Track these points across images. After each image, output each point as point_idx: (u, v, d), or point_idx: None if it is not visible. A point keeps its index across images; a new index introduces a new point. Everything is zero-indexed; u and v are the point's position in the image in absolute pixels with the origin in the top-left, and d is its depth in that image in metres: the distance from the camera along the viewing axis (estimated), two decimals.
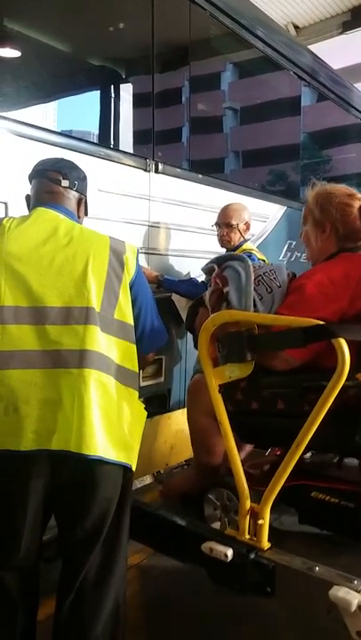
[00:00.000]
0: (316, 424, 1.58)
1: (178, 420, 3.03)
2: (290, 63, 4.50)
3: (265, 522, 1.68)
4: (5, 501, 1.48)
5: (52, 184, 1.72)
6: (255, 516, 1.69)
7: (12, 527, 1.48)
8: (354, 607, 1.37)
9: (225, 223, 3.23)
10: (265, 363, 1.77)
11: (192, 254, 3.32)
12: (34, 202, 1.74)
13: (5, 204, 2.19)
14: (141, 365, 1.67)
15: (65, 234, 1.59)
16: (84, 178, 1.82)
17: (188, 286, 3.10)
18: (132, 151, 3.13)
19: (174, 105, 3.81)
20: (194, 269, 3.22)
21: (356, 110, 5.59)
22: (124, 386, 1.56)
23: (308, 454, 2.11)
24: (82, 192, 1.80)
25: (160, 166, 3.14)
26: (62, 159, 1.82)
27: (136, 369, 1.61)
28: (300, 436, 1.60)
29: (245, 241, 3.27)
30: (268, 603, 2.30)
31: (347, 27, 8.01)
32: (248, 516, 1.70)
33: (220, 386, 1.79)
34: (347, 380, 1.56)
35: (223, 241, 3.25)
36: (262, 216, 4.01)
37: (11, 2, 2.57)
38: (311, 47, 5.53)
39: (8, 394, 1.44)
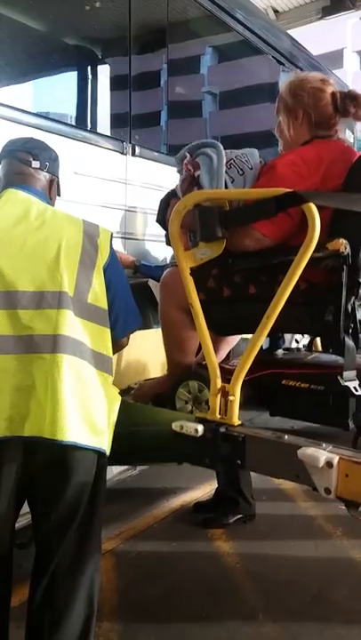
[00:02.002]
0: (286, 294, 1.54)
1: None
2: (269, 47, 4.47)
3: (235, 399, 1.66)
4: None
5: (22, 165, 1.69)
6: (226, 394, 1.68)
7: None
8: (322, 463, 1.38)
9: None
10: (237, 243, 1.75)
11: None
12: (4, 183, 1.70)
13: None
14: (115, 350, 1.65)
15: (37, 216, 1.56)
16: (56, 158, 1.79)
17: None
18: (108, 134, 3.08)
19: (152, 88, 3.76)
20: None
21: None
22: (98, 370, 1.54)
23: (280, 351, 2.11)
24: (53, 173, 1.76)
25: (137, 149, 3.10)
26: (32, 139, 1.79)
27: (110, 354, 1.59)
28: (271, 308, 1.57)
29: None
30: (241, 586, 2.35)
31: (326, 12, 7.98)
32: (219, 395, 1.69)
33: (191, 269, 1.77)
34: (317, 251, 1.55)
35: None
36: None
37: None
38: (291, 32, 5.49)
39: None
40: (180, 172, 1.95)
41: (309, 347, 2.48)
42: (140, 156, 3.10)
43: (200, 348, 1.92)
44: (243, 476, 2.88)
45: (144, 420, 1.91)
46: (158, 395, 2.07)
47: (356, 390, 1.64)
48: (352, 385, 1.65)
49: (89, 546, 1.55)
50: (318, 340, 2.51)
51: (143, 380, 2.68)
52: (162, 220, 1.96)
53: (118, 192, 3.01)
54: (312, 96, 1.89)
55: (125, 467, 2.91)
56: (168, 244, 1.90)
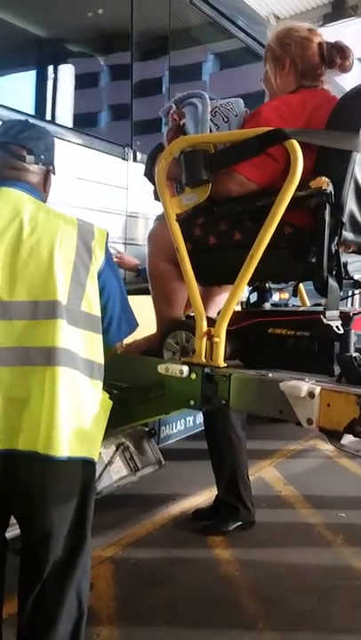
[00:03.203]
0: (270, 231, 1.57)
1: None
2: None
3: (220, 340, 1.68)
4: None
5: (16, 160, 1.58)
6: (211, 337, 1.70)
7: None
8: (304, 393, 1.41)
9: None
10: (222, 189, 1.75)
11: None
12: None
13: None
14: (108, 355, 1.62)
15: (30, 219, 1.48)
16: (52, 146, 1.68)
17: None
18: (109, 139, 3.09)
19: (154, 95, 3.77)
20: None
21: None
22: (89, 378, 1.51)
23: (268, 304, 2.11)
24: (49, 164, 1.66)
25: (138, 155, 3.11)
26: (26, 126, 1.64)
27: (102, 360, 1.55)
28: (255, 247, 1.59)
29: None
30: (240, 594, 2.34)
31: (327, 19, 8.03)
32: (204, 338, 1.71)
33: (177, 215, 1.79)
34: (300, 190, 1.56)
35: None
36: None
37: None
38: None
39: None
40: (166, 123, 1.96)
41: (294, 293, 2.48)
42: (141, 162, 3.10)
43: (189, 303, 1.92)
44: (242, 482, 2.87)
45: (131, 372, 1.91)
46: (147, 350, 2.06)
47: (339, 330, 1.64)
48: (334, 324, 1.66)
49: (78, 555, 1.53)
50: (303, 289, 2.53)
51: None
52: (149, 173, 1.96)
53: (119, 197, 3.02)
54: (299, 45, 1.89)
55: (125, 472, 2.88)
56: (157, 199, 1.90)
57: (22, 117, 2.41)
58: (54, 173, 1.71)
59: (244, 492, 2.87)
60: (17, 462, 1.41)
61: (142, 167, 3.07)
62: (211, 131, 1.82)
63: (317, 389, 1.40)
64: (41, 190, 1.64)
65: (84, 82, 3.49)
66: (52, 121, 2.93)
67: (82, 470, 1.50)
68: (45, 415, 1.39)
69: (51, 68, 3.27)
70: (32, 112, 2.82)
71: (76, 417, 1.45)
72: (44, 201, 1.63)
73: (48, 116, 3.05)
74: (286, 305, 2.30)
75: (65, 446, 1.40)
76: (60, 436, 1.39)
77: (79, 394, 1.46)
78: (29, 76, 3.17)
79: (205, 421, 3.03)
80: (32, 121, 1.71)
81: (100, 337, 1.55)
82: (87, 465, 1.52)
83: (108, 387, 1.60)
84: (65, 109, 3.24)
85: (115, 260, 2.88)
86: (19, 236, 1.45)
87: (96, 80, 3.58)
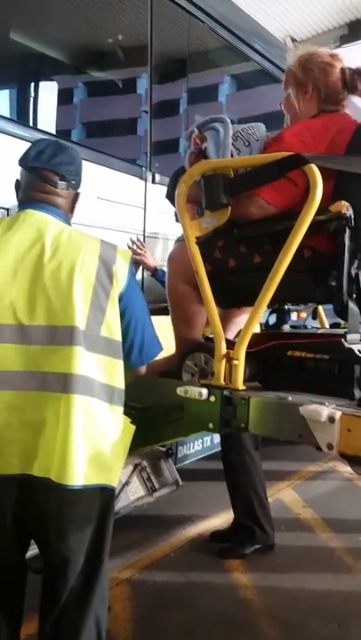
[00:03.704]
0: (289, 255, 1.56)
1: None
2: None
3: (240, 363, 1.67)
4: None
5: (47, 185, 1.57)
6: (230, 360, 1.69)
7: None
8: (324, 417, 1.39)
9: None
10: (242, 211, 1.76)
11: None
12: (23, 197, 1.60)
13: None
14: (129, 379, 1.59)
15: (52, 242, 1.47)
16: (81, 169, 1.67)
17: None
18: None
19: (172, 116, 3.83)
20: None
21: None
22: (108, 404, 1.48)
23: (287, 326, 2.10)
24: (77, 188, 1.66)
25: (157, 177, 3.14)
26: (58, 149, 1.62)
27: (122, 385, 1.52)
28: (274, 269, 1.59)
29: None
30: (258, 620, 2.29)
31: (344, 40, 8.07)
32: (223, 361, 1.70)
33: (197, 238, 1.80)
34: (320, 214, 1.56)
35: None
36: None
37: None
38: None
39: None
40: (188, 147, 1.98)
41: (313, 316, 2.47)
42: (160, 184, 3.14)
43: (208, 324, 1.92)
44: (258, 504, 2.83)
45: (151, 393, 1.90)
46: (165, 371, 2.06)
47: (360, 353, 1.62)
48: (356, 348, 1.64)
49: (96, 581, 1.50)
50: (322, 311, 2.51)
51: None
52: (171, 195, 1.98)
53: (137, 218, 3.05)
54: (322, 71, 1.90)
55: (142, 493, 2.87)
56: (177, 220, 1.92)
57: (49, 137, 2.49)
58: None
59: (261, 515, 2.83)
60: (35, 488, 1.40)
61: (161, 188, 3.12)
62: (232, 155, 1.83)
63: (338, 414, 1.39)
64: (67, 212, 1.63)
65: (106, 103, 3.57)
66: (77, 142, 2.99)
67: (99, 497, 1.48)
68: (59, 443, 1.37)
69: (70, 91, 3.36)
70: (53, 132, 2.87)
71: (92, 445, 1.42)
72: (69, 223, 1.63)
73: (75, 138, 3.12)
74: (305, 326, 2.29)
75: (79, 475, 1.38)
76: (74, 465, 1.37)
77: (96, 421, 1.44)
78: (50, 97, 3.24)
79: (221, 443, 3.01)
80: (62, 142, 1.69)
81: (120, 362, 1.52)
82: (105, 491, 1.50)
83: (126, 407, 1.59)
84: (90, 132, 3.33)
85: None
86: (40, 258, 1.44)
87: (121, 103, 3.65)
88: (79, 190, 1.67)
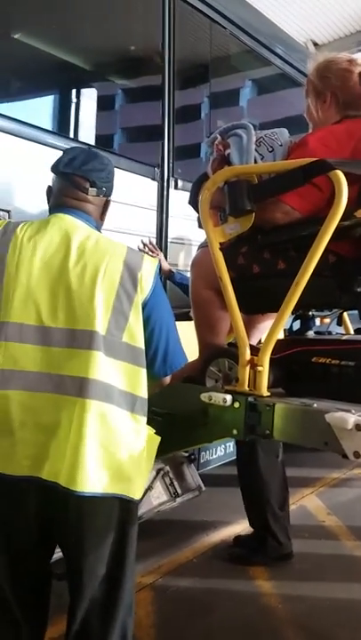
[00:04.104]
0: (314, 260, 1.55)
1: None
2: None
3: (264, 369, 1.67)
4: (5, 517, 1.44)
5: (78, 191, 1.59)
6: (254, 366, 1.68)
7: (9, 550, 1.45)
8: (350, 425, 1.38)
9: None
10: (267, 217, 1.76)
11: None
12: (54, 202, 1.62)
13: None
14: (153, 389, 1.57)
15: (78, 246, 1.48)
16: (112, 177, 1.68)
17: None
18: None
19: (194, 121, 3.84)
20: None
21: None
22: (129, 412, 1.46)
23: (311, 332, 2.07)
24: (108, 195, 1.66)
25: (180, 183, 3.15)
26: (90, 156, 1.63)
27: (144, 394, 1.50)
28: (299, 275, 1.58)
29: None
30: (282, 628, 2.27)
31: None
32: (248, 367, 1.70)
33: (220, 244, 1.80)
34: (345, 219, 1.55)
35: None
36: None
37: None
38: None
39: (4, 415, 1.38)
40: (210, 154, 1.98)
41: (338, 322, 2.44)
42: (182, 190, 3.14)
43: (231, 330, 1.92)
44: (271, 513, 2.77)
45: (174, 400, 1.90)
46: (189, 377, 2.06)
47: None
48: None
49: (119, 592, 1.48)
50: (347, 317, 2.48)
51: None
52: (194, 201, 1.98)
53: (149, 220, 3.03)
54: (340, 78, 1.90)
55: (165, 498, 2.86)
56: (200, 226, 1.92)
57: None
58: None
59: (274, 525, 2.76)
60: (51, 491, 1.38)
61: (183, 194, 3.13)
62: (255, 161, 1.83)
63: None
64: (97, 219, 1.65)
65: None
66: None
67: (118, 507, 1.45)
68: (70, 448, 1.36)
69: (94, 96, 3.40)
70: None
71: (107, 452, 1.40)
72: (99, 229, 1.64)
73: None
74: (329, 332, 2.27)
75: (90, 482, 1.36)
76: (84, 471, 1.35)
77: (114, 429, 1.42)
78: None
79: (236, 451, 2.99)
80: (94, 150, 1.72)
81: (143, 370, 1.50)
82: (124, 502, 1.46)
83: (150, 413, 1.59)
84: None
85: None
86: (65, 262, 1.45)
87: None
88: (110, 198, 1.68)
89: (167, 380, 1.67)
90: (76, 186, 1.59)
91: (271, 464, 2.83)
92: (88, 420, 1.37)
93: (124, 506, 1.47)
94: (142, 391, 1.50)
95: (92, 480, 1.37)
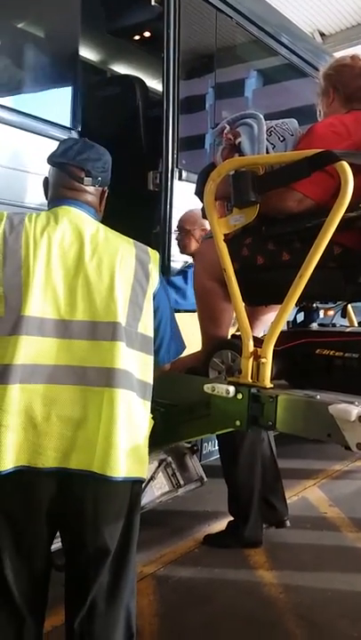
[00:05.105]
0: (319, 252, 1.55)
1: None
2: (315, 70, 4.47)
3: (267, 361, 1.67)
4: (19, 515, 1.44)
5: (74, 181, 1.60)
6: (258, 357, 1.68)
7: (25, 539, 1.46)
8: (353, 417, 1.38)
9: (179, 227, 3.15)
10: (279, 205, 1.75)
11: None
12: (53, 194, 1.64)
13: None
14: (155, 375, 1.61)
15: (91, 240, 1.51)
16: (108, 167, 1.69)
17: None
18: None
19: (199, 111, 3.82)
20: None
21: None
22: (142, 399, 1.52)
23: (315, 324, 2.07)
24: (105, 185, 1.68)
25: (184, 174, 3.14)
26: (85, 146, 1.65)
27: (152, 381, 1.56)
28: (304, 267, 1.57)
29: None
30: (284, 619, 2.28)
31: None
32: (251, 359, 1.69)
33: (225, 236, 1.80)
34: (351, 211, 1.55)
35: (179, 246, 3.18)
36: None
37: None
38: (337, 55, 5.49)
39: (27, 409, 1.39)
40: (218, 143, 1.97)
41: (342, 314, 2.44)
42: (186, 181, 3.13)
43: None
44: (246, 503, 2.83)
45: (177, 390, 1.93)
46: (192, 368, 2.06)
47: None
48: None
49: (125, 575, 1.52)
50: (351, 309, 2.49)
51: None
52: (200, 192, 1.98)
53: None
54: (340, 72, 1.94)
55: (167, 488, 2.88)
56: (205, 217, 1.92)
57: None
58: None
59: (251, 513, 2.83)
60: (71, 482, 1.42)
61: (187, 185, 3.12)
62: (267, 150, 1.82)
63: None
64: (97, 210, 1.67)
65: None
66: None
67: (131, 489, 1.51)
68: (102, 436, 1.40)
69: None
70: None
71: (131, 438, 1.46)
72: (100, 220, 1.66)
73: None
74: (333, 324, 2.27)
75: (122, 467, 1.41)
76: (118, 457, 1.40)
77: (134, 415, 1.47)
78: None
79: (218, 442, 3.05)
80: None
81: (152, 358, 1.56)
82: (136, 485, 1.52)
83: (153, 404, 1.61)
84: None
85: None
86: (81, 256, 1.48)
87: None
88: (106, 188, 1.69)
89: (168, 366, 1.74)
90: (71, 176, 1.61)
91: (249, 453, 2.84)
92: (119, 409, 1.42)
93: (136, 488, 1.53)
94: (151, 378, 1.56)
95: (122, 465, 1.42)
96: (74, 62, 2.72)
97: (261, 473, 2.86)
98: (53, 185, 1.64)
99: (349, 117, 1.82)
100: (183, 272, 3.15)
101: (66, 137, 2.41)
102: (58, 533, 1.55)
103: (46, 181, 1.68)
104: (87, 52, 4.72)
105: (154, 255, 1.61)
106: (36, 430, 1.40)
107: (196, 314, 2.16)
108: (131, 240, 1.59)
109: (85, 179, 1.61)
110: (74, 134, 2.62)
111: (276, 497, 2.92)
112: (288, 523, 2.93)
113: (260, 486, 2.85)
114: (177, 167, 3.11)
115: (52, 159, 1.64)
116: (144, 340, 1.53)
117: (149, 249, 1.62)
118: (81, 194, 1.61)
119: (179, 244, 3.16)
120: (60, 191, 1.62)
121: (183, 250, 3.14)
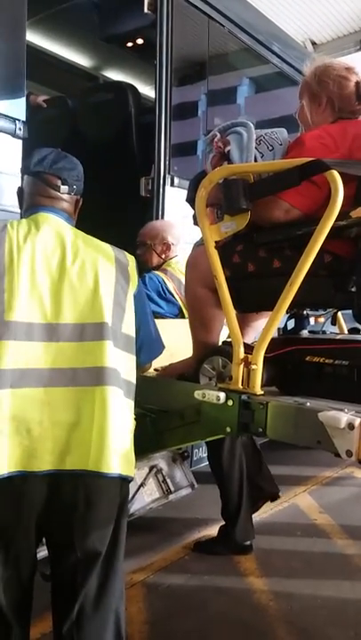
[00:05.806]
0: (309, 260, 1.56)
1: None
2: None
3: (258, 368, 1.67)
4: (9, 523, 1.43)
5: (50, 189, 1.64)
6: (248, 364, 1.69)
7: (14, 547, 1.45)
8: (343, 424, 1.38)
9: (139, 241, 3.06)
10: (266, 214, 1.76)
11: None
12: (30, 202, 1.67)
13: None
14: (137, 375, 1.64)
15: (72, 245, 1.55)
16: (81, 176, 1.72)
17: None
18: None
19: (191, 118, 3.84)
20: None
21: None
22: (127, 398, 1.54)
23: (305, 332, 2.08)
24: (79, 193, 1.72)
25: (175, 180, 3.15)
26: (59, 156, 1.69)
27: (135, 380, 1.59)
28: (294, 274, 1.58)
29: (165, 262, 3.05)
30: (274, 626, 2.28)
31: None
32: (241, 365, 1.70)
33: (216, 242, 1.80)
34: (341, 219, 1.56)
35: (140, 261, 2.98)
36: None
37: None
38: None
39: (20, 414, 1.39)
40: (209, 151, 1.97)
41: (332, 321, 2.45)
42: (178, 187, 3.14)
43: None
44: (235, 509, 2.83)
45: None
46: (183, 374, 2.07)
47: None
48: None
49: (113, 578, 1.52)
50: (341, 316, 2.48)
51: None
52: (191, 198, 1.99)
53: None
54: (337, 84, 1.90)
55: (158, 495, 2.87)
56: (196, 224, 1.93)
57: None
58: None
59: (238, 521, 2.82)
60: (63, 483, 1.43)
61: (179, 192, 3.13)
62: (256, 159, 1.83)
63: (357, 421, 1.38)
64: (72, 217, 1.71)
65: None
66: None
67: (120, 489, 1.52)
68: (96, 434, 1.42)
69: None
70: None
71: (121, 435, 1.48)
72: (74, 227, 1.69)
73: None
74: (323, 331, 2.29)
75: (115, 464, 1.43)
76: (111, 453, 1.43)
77: (121, 413, 1.50)
78: None
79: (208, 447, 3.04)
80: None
81: (134, 358, 1.59)
82: (125, 485, 1.54)
83: (144, 411, 1.62)
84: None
85: None
86: (63, 261, 1.51)
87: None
88: (79, 197, 1.73)
89: (148, 366, 1.79)
90: (47, 184, 1.65)
91: (230, 459, 2.84)
92: (110, 405, 1.44)
93: (124, 488, 1.55)
94: (134, 378, 1.59)
95: (115, 462, 1.44)
96: (20, 49, 2.52)
97: (246, 462, 2.89)
98: (30, 193, 1.68)
99: (336, 128, 1.83)
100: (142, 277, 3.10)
101: (10, 127, 2.41)
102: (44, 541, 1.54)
103: (21, 191, 1.72)
104: (80, 59, 4.76)
105: (131, 258, 1.66)
106: (30, 435, 1.40)
107: (186, 320, 2.16)
108: (108, 245, 1.64)
109: (62, 187, 1.66)
110: (18, 125, 2.49)
111: (262, 478, 2.95)
112: (280, 494, 2.99)
113: (246, 478, 2.87)
114: (169, 173, 3.13)
115: (27, 169, 1.68)
116: (127, 339, 1.56)
117: (126, 253, 1.67)
118: (57, 201, 1.66)
119: (139, 259, 3.11)
120: (36, 199, 1.66)
121: (145, 264, 3.05)
